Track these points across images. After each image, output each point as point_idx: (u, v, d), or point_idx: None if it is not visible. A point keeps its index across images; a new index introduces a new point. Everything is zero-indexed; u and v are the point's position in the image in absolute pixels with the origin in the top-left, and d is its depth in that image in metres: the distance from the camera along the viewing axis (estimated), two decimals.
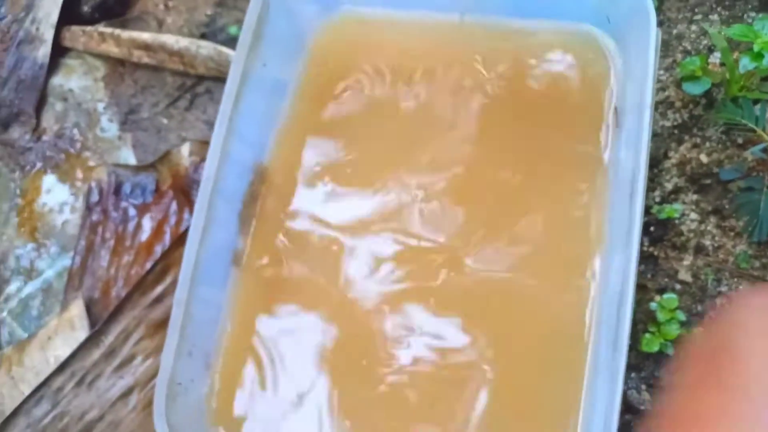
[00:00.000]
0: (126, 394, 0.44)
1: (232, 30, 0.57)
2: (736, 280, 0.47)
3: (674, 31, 0.51)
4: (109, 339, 0.45)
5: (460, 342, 0.37)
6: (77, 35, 0.60)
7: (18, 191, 0.58)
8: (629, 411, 0.45)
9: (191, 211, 0.52)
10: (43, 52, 0.61)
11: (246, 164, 0.42)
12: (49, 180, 0.58)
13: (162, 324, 0.46)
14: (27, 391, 0.45)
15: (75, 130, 0.59)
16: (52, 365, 0.46)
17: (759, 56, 0.43)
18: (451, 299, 0.38)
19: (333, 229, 0.42)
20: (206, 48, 0.56)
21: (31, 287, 0.55)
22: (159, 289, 0.46)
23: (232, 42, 0.57)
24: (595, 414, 0.35)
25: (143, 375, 0.45)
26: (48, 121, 0.60)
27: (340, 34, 0.46)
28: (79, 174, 0.58)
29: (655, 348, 0.45)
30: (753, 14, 0.50)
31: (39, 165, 0.59)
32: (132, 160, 0.57)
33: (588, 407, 0.35)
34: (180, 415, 0.37)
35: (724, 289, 0.47)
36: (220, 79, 0.57)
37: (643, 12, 0.36)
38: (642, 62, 0.36)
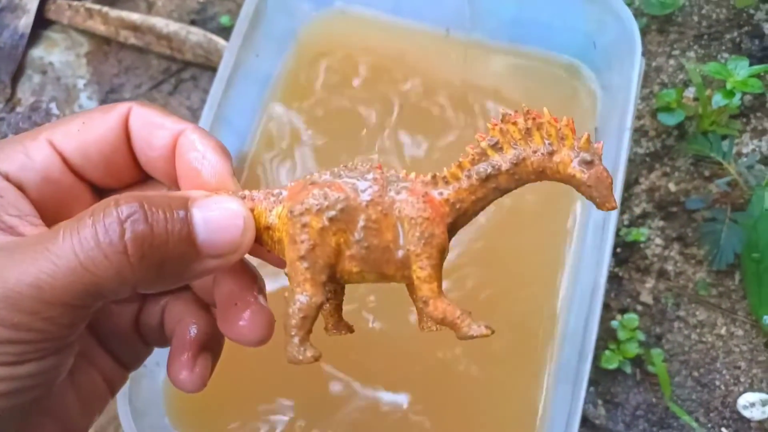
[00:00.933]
0: None
1: (224, 20, 0.57)
2: (693, 305, 0.49)
3: (653, 64, 0.53)
4: None
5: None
6: (63, 8, 0.59)
7: None
8: (584, 425, 0.46)
9: None
10: (25, 21, 0.59)
11: (231, 152, 0.42)
12: None
13: None
14: None
15: (52, 104, 0.58)
16: None
17: (730, 94, 0.45)
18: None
19: None
20: (196, 35, 0.55)
21: None
22: None
23: (222, 31, 0.57)
24: (555, 421, 0.36)
25: None
26: (24, 92, 0.59)
27: (331, 31, 0.47)
28: None
29: (614, 365, 0.46)
30: (726, 55, 0.53)
31: (10, 136, 0.57)
32: None
33: (547, 414, 0.36)
34: (143, 398, 0.37)
35: (681, 313, 0.49)
36: (207, 67, 0.57)
37: (629, 40, 0.38)
38: (625, 87, 0.37)
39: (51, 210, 0.20)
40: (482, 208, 0.21)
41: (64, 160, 0.21)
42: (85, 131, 0.21)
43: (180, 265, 0.19)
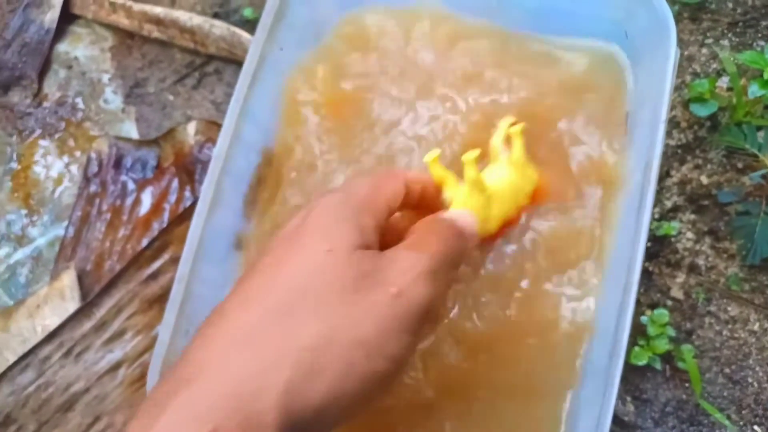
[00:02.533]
0: (114, 368, 0.44)
1: (247, 12, 0.57)
2: (725, 301, 0.48)
3: (685, 53, 0.51)
4: (100, 312, 0.44)
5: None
6: (87, 3, 0.59)
7: (14, 156, 0.57)
8: (613, 422, 0.46)
9: (193, 190, 0.52)
10: (51, 16, 0.60)
11: (255, 147, 0.42)
12: (47, 147, 0.57)
13: (156, 301, 0.45)
14: (12, 359, 0.45)
15: (78, 99, 0.58)
16: (40, 334, 0.46)
17: (767, 84, 0.44)
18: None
19: None
20: (220, 28, 0.55)
21: (20, 254, 0.54)
22: (155, 265, 0.45)
23: (245, 24, 0.57)
24: (584, 420, 0.35)
25: (133, 350, 0.44)
26: (50, 87, 0.59)
27: (356, 24, 0.46)
28: (79, 144, 0.57)
29: (644, 361, 0.46)
30: (762, 43, 0.51)
31: (38, 131, 0.58)
32: (134, 134, 0.56)
33: (575, 414, 0.35)
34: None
35: (713, 309, 0.48)
36: (231, 60, 0.56)
37: (663, 29, 0.37)
38: (658, 79, 0.36)
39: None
40: None
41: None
42: (397, 193, 0.31)
43: (458, 249, 0.30)
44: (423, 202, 0.32)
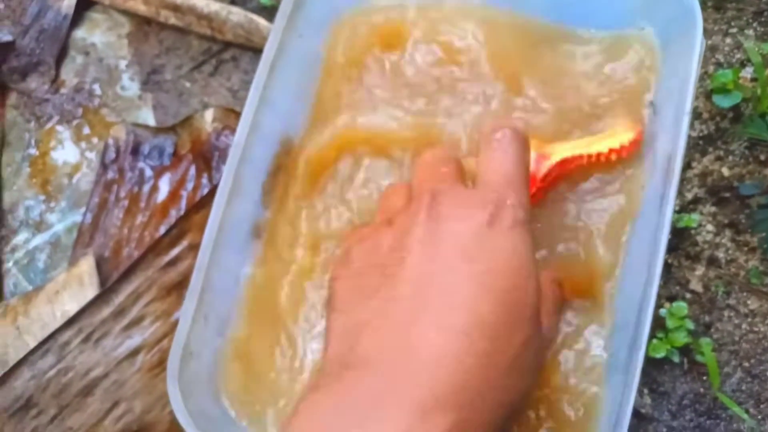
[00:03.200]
0: (133, 354, 0.44)
1: None
2: (745, 294, 0.47)
3: (709, 42, 0.51)
4: (119, 298, 0.45)
5: None
6: None
7: (33, 142, 0.57)
8: (631, 414, 0.45)
9: (210, 178, 0.52)
10: (68, 2, 0.60)
11: (274, 135, 0.42)
12: (65, 133, 0.57)
13: (174, 287, 0.46)
14: (32, 343, 0.45)
15: (95, 86, 0.58)
16: (59, 319, 0.46)
17: None
18: None
19: (352, 210, 0.42)
20: (237, 15, 0.55)
21: (39, 239, 0.55)
22: (174, 252, 0.46)
23: (262, 11, 0.56)
24: (604, 413, 0.35)
25: (151, 336, 0.45)
26: (67, 74, 0.59)
27: (378, 10, 0.46)
28: (96, 130, 0.57)
29: (662, 354, 0.45)
30: None
31: (56, 117, 0.58)
32: (151, 121, 0.56)
33: (599, 404, 0.35)
34: (190, 379, 0.37)
35: (732, 302, 0.47)
36: (248, 47, 0.56)
37: (690, 17, 0.36)
38: (683, 70, 0.36)
39: None
40: None
41: None
42: None
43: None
44: None
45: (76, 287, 0.48)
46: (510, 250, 0.26)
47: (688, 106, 0.35)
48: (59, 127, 0.58)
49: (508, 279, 0.25)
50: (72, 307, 0.46)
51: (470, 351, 0.23)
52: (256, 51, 0.55)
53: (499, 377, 0.24)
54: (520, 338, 0.25)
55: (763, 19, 0.51)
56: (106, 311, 0.45)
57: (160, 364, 0.44)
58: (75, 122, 0.58)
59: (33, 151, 0.57)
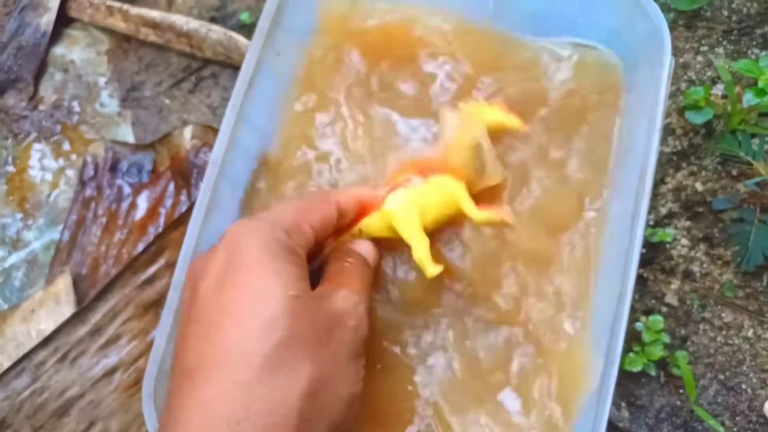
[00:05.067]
0: (109, 373, 0.44)
1: (243, 17, 0.57)
2: (719, 307, 0.48)
3: (680, 60, 0.52)
4: (96, 317, 0.44)
5: None
6: (84, 6, 0.59)
7: (9, 159, 0.57)
8: (609, 428, 0.46)
9: (189, 195, 0.51)
10: (47, 19, 0.59)
11: (252, 152, 0.42)
12: (43, 150, 0.57)
13: (151, 306, 0.45)
14: (6, 363, 0.45)
15: (74, 102, 0.58)
16: (35, 339, 0.45)
17: (762, 92, 0.44)
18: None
19: None
20: (216, 32, 0.55)
21: (15, 257, 0.54)
22: (151, 270, 0.45)
23: (241, 28, 0.57)
24: (580, 427, 0.35)
25: (128, 355, 0.44)
26: (46, 90, 0.59)
27: (354, 27, 0.46)
28: (75, 147, 0.57)
29: (638, 367, 0.46)
30: (757, 51, 0.51)
31: (33, 134, 0.58)
32: (130, 138, 0.56)
33: (573, 420, 0.36)
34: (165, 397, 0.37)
35: (707, 315, 0.48)
36: (227, 65, 0.56)
37: (658, 38, 0.37)
38: (653, 88, 0.36)
39: None
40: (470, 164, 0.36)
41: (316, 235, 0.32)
42: (326, 218, 0.32)
43: (366, 275, 0.33)
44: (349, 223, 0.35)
45: (52, 305, 0.47)
46: None
47: (658, 124, 0.36)
48: (37, 144, 0.57)
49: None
50: (48, 326, 0.46)
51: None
52: (236, 68, 0.56)
53: None
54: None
55: (732, 38, 0.52)
56: (82, 330, 0.44)
57: (137, 383, 0.44)
58: (53, 139, 0.57)
59: (10, 168, 0.57)
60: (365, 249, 0.34)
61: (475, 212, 0.35)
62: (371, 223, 0.34)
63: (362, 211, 0.35)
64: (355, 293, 0.30)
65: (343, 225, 0.34)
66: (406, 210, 0.34)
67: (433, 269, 0.33)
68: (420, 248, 0.33)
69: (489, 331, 0.38)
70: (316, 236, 0.31)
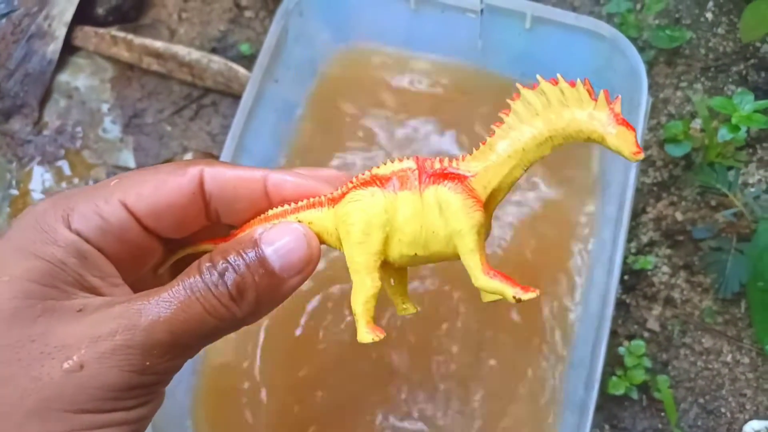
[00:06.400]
0: None
1: (244, 48, 0.59)
2: (700, 333, 0.50)
3: (661, 95, 0.54)
4: None
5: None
6: (89, 36, 0.61)
7: (14, 182, 0.59)
8: None
9: None
10: (53, 48, 0.62)
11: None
12: (46, 174, 0.59)
13: None
14: None
15: (77, 128, 0.60)
16: None
17: (736, 128, 0.46)
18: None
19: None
20: (217, 63, 0.58)
21: None
22: None
23: (241, 59, 0.59)
24: None
25: None
26: (50, 116, 0.61)
27: (349, 64, 0.48)
28: (77, 171, 0.58)
29: (621, 391, 0.47)
30: (733, 87, 0.54)
31: (37, 158, 0.59)
32: (132, 164, 0.58)
33: None
34: (164, 416, 0.38)
35: (688, 340, 0.50)
36: (227, 94, 0.59)
37: (636, 79, 0.39)
38: (633, 122, 0.39)
39: (126, 266, 0.22)
40: (512, 184, 0.22)
41: (138, 221, 0.22)
42: (159, 194, 0.22)
43: (270, 293, 0.22)
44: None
45: None
46: None
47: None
48: (40, 168, 0.59)
49: None
50: None
51: None
52: (236, 97, 0.58)
53: None
54: None
55: (710, 75, 0.55)
56: None
57: None
58: (56, 163, 0.59)
59: (14, 191, 0.58)
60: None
61: (478, 273, 0.22)
62: (318, 223, 0.23)
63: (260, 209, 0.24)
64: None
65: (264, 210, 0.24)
66: (364, 223, 0.22)
67: (365, 334, 0.22)
68: (360, 293, 0.22)
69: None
70: (157, 220, 0.22)
